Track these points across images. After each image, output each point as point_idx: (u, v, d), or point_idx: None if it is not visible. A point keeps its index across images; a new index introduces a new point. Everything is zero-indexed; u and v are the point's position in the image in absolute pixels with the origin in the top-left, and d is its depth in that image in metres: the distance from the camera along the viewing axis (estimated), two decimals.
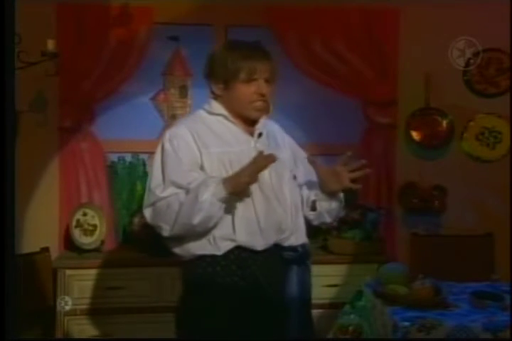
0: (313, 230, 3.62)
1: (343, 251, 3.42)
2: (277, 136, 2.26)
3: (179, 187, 2.03)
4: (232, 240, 2.07)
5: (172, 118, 3.78)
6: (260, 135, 2.16)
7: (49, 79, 3.28)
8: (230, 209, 2.04)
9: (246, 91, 2.08)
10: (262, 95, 2.08)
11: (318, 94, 3.76)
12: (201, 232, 2.05)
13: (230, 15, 3.65)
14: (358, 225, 3.50)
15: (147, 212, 2.10)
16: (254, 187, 2.06)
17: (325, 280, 3.31)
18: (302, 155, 2.30)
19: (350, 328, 2.62)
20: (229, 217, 2.07)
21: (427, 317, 2.26)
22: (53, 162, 3.61)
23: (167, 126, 3.76)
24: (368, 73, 3.75)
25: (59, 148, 3.60)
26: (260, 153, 2.01)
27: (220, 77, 2.10)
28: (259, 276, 2.08)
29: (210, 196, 1.97)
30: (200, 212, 1.98)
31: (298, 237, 2.18)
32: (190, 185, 2.01)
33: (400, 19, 3.73)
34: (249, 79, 2.06)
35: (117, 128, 3.68)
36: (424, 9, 3.67)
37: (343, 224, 3.52)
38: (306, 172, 2.25)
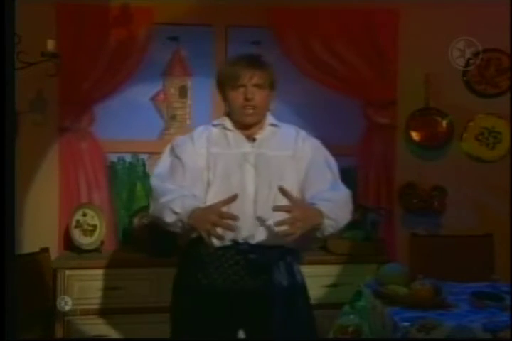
0: None
1: (343, 252, 3.42)
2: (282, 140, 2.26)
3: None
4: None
5: (172, 119, 3.78)
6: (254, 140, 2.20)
7: (49, 79, 3.28)
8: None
9: (234, 97, 2.15)
10: (248, 100, 2.13)
11: (318, 94, 3.76)
12: None
13: (230, 16, 3.65)
14: (358, 225, 3.49)
15: None
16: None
17: (325, 281, 3.31)
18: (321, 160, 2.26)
19: (350, 328, 2.61)
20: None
21: (426, 318, 2.25)
22: (53, 162, 3.60)
23: (167, 126, 3.78)
24: (368, 73, 3.75)
25: (59, 148, 3.59)
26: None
27: (218, 88, 2.23)
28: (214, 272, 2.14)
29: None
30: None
31: (265, 238, 2.12)
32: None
33: (400, 19, 3.74)
34: (236, 86, 2.13)
35: (117, 129, 3.68)
36: (424, 9, 3.68)
37: None
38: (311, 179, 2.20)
